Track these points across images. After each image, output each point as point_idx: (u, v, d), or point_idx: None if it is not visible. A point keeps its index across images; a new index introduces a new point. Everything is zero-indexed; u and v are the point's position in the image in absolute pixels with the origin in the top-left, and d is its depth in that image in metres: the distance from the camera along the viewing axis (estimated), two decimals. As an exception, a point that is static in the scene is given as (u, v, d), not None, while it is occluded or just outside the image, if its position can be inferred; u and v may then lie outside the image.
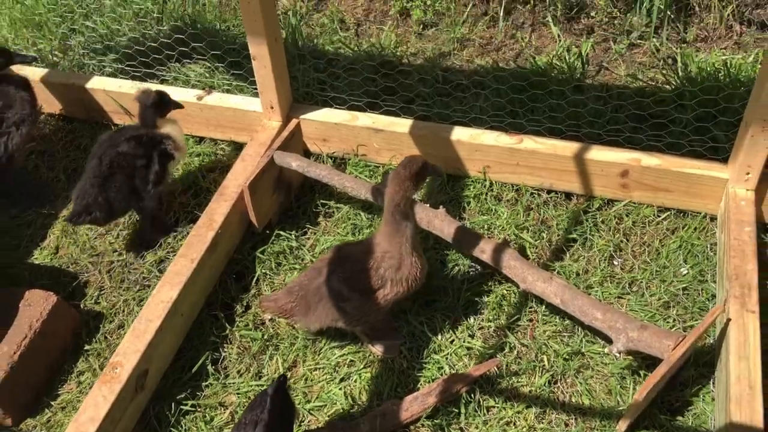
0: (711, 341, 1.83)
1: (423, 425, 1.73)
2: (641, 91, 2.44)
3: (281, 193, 2.20)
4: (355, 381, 1.84)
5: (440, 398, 1.72)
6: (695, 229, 2.10)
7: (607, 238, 2.10)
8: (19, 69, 2.49)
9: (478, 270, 2.03)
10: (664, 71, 2.53)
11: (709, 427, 1.69)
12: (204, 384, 1.85)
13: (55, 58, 2.84)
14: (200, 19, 2.93)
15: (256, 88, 2.28)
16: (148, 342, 1.74)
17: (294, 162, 2.12)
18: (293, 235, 2.17)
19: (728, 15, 2.63)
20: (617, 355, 1.74)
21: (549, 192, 2.22)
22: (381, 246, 1.75)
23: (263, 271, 2.09)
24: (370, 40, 2.86)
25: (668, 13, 2.63)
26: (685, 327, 1.87)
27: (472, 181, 2.28)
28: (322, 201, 2.26)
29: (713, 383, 1.75)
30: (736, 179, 1.99)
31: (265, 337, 1.94)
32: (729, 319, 1.70)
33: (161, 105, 2.13)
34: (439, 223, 1.98)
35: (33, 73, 2.55)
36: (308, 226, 2.21)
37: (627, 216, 2.15)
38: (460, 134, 2.22)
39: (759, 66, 2.12)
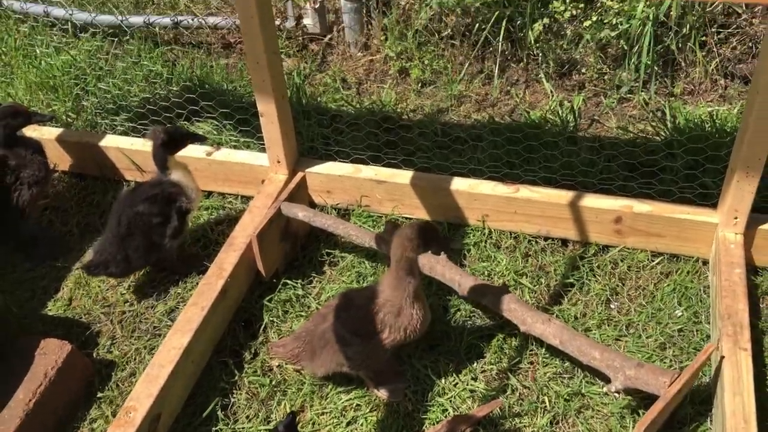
0: (707, 380, 1.88)
1: (429, 466, 1.77)
2: (632, 142, 2.55)
3: (288, 243, 2.28)
4: (362, 425, 1.88)
5: (445, 439, 1.76)
6: (688, 272, 2.17)
7: (604, 283, 2.17)
8: (34, 129, 2.63)
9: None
10: (653, 123, 2.64)
11: (708, 464, 1.73)
12: (214, 429, 1.89)
13: (69, 119, 2.96)
14: (208, 80, 3.06)
15: (262, 144, 2.39)
16: (161, 387, 1.79)
17: (300, 212, 2.21)
18: (299, 284, 2.24)
19: (713, 69, 2.76)
20: (615, 394, 1.79)
21: (546, 239, 2.31)
22: (384, 293, 1.82)
23: (270, 318, 2.15)
24: (372, 97, 2.99)
25: (655, 68, 2.76)
26: (681, 366, 1.93)
27: (472, 229, 2.36)
28: (327, 250, 2.33)
29: (710, 420, 1.80)
30: (725, 223, 2.08)
31: (273, 383, 1.99)
32: (723, 357, 1.76)
33: (171, 143, 2.21)
34: (441, 269, 2.05)
35: (49, 132, 2.66)
36: (314, 274, 2.28)
37: (622, 261, 2.23)
38: (459, 184, 2.31)
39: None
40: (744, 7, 2.75)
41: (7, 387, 1.88)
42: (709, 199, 2.23)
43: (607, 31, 2.76)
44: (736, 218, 2.05)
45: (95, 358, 2.09)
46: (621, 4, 2.76)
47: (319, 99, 2.98)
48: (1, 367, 1.93)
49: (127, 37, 3.38)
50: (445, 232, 2.34)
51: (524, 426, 1.84)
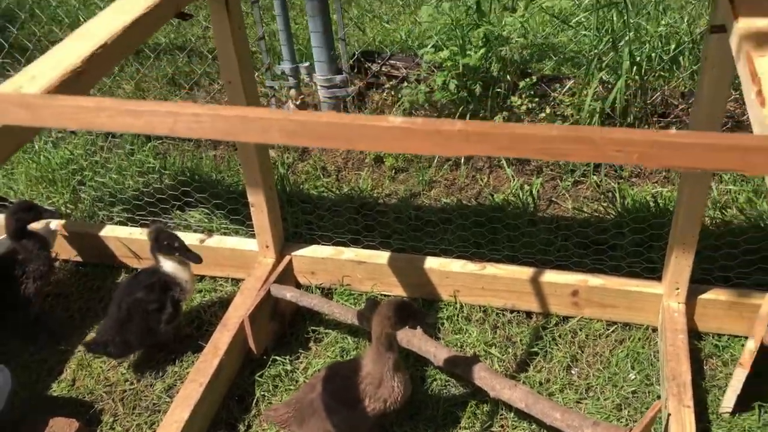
0: (658, 436, 2.10)
1: None
2: (586, 222, 2.83)
3: (276, 322, 2.48)
4: (349, 488, 2.05)
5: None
6: (640, 339, 2.41)
7: (565, 351, 2.40)
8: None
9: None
10: (604, 204, 2.93)
11: None
12: (212, 497, 2.05)
13: (67, 210, 3.18)
14: (198, 170, 3.31)
15: (250, 229, 2.62)
16: (165, 458, 1.96)
17: (289, 293, 2.42)
18: (288, 360, 2.43)
19: (655, 154, 3.07)
20: (577, 451, 1.99)
21: (512, 311, 2.54)
22: (366, 366, 2.03)
23: (262, 393, 2.34)
24: (350, 184, 3.26)
25: (604, 154, 3.06)
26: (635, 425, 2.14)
27: (445, 304, 2.59)
28: (312, 327, 2.54)
29: (662, 473, 2.00)
30: (668, 294, 2.33)
31: (266, 452, 2.16)
32: (669, 414, 1.98)
33: (158, 245, 2.39)
34: (417, 342, 2.26)
35: (52, 224, 2.87)
36: (301, 350, 2.47)
37: (580, 330, 2.46)
38: (432, 263, 2.55)
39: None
40: (680, 99, 3.10)
41: (19, 464, 2.03)
42: (655, 272, 2.49)
43: (559, 122, 3.08)
44: (677, 289, 2.30)
45: (99, 435, 2.25)
46: (571, 98, 3.09)
47: (301, 186, 3.24)
48: (13, 445, 2.08)
49: (121, 133, 3.64)
50: (420, 307, 2.57)
51: (497, 484, 2.03)
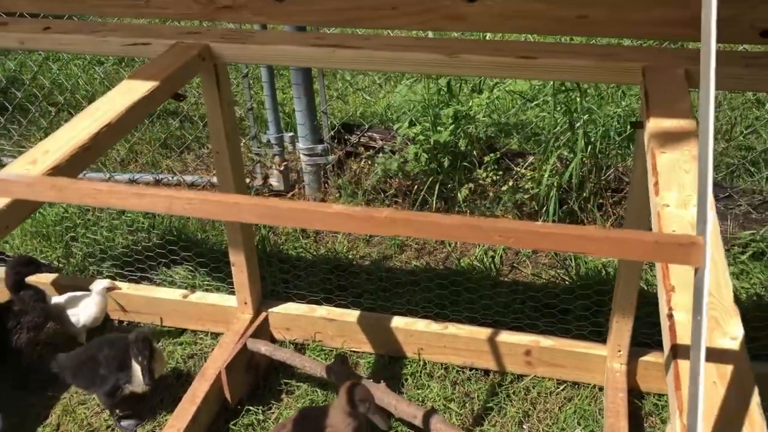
0: (598, 487, 2.28)
1: None
2: (543, 286, 3.06)
3: (251, 374, 2.67)
4: None
5: None
6: (587, 397, 2.61)
7: (518, 407, 2.59)
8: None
9: (413, 434, 2.48)
10: (560, 270, 3.17)
11: None
12: None
13: (59, 264, 3.38)
14: (185, 230, 3.53)
15: (231, 287, 2.82)
16: (142, 497, 2.12)
17: (263, 347, 2.62)
18: (260, 410, 2.61)
19: (609, 226, 3.34)
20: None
21: (471, 369, 2.74)
22: (331, 418, 2.22)
23: (235, 440, 2.51)
24: (327, 246, 3.48)
25: (566, 221, 3.32)
26: (578, 476, 2.33)
27: (409, 361, 2.79)
28: (285, 380, 2.72)
29: None
30: (611, 356, 2.55)
31: (236, 496, 2.32)
32: (606, 466, 2.18)
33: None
34: (380, 395, 2.46)
35: (46, 277, 3.06)
36: (273, 401, 2.65)
37: (533, 388, 2.66)
38: (398, 322, 2.76)
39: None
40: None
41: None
42: (602, 335, 2.72)
43: (521, 194, 3.34)
44: (619, 351, 2.52)
45: (80, 477, 2.40)
46: (532, 173, 3.37)
47: (281, 247, 3.46)
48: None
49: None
50: (386, 365, 2.76)
51: None
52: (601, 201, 3.35)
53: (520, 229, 0.89)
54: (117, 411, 2.59)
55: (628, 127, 3.20)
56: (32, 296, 2.72)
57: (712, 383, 1.04)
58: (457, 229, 0.91)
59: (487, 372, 2.73)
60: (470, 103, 3.32)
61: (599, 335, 2.72)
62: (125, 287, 3.01)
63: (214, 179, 3.79)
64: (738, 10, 1.89)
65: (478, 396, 2.64)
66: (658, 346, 2.65)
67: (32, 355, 2.87)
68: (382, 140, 3.72)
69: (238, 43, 2.22)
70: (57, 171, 1.63)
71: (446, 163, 3.37)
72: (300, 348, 2.87)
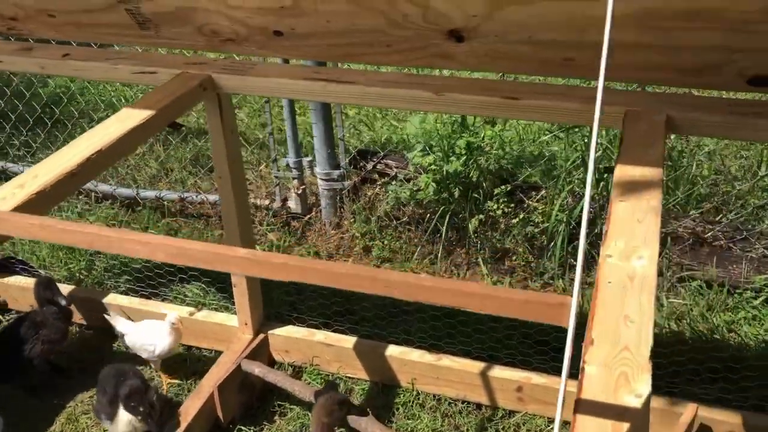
0: None
1: None
2: (538, 323, 3.03)
3: (245, 394, 2.73)
4: None
5: None
6: (577, 437, 2.58)
7: (506, 443, 2.59)
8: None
9: None
10: (565, 306, 3.14)
11: None
12: None
13: (81, 276, 3.52)
14: (202, 248, 3.64)
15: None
16: None
17: (257, 369, 2.68)
18: (252, 430, 2.67)
19: (619, 263, 3.30)
20: None
21: (463, 402, 2.74)
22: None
23: (224, 458, 2.57)
24: (337, 270, 3.53)
25: (571, 260, 3.30)
26: None
27: (403, 390, 2.81)
28: (279, 402, 2.78)
29: None
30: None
31: None
32: None
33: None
34: (365, 424, 2.48)
35: (64, 289, 3.20)
36: (265, 422, 2.71)
37: (523, 425, 2.65)
38: (393, 351, 2.79)
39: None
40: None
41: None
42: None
43: (531, 227, 3.34)
44: (609, 393, 2.49)
45: (74, 485, 2.50)
46: (543, 207, 3.36)
47: (293, 269, 3.53)
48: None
49: (140, 208, 4.02)
50: (380, 392, 2.79)
51: None
52: (611, 238, 3.32)
53: (404, 282, 0.93)
54: None
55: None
56: (54, 313, 2.84)
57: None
58: (346, 277, 0.95)
59: (479, 406, 2.73)
60: (482, 135, 3.34)
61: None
62: (137, 302, 3.13)
63: (249, 199, 3.90)
64: (725, 57, 1.88)
65: (467, 429, 2.64)
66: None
67: (44, 367, 2.99)
68: (396, 167, 3.76)
69: (239, 74, 2.32)
70: (42, 196, 1.73)
71: (456, 194, 3.39)
72: (298, 371, 2.92)
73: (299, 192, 3.81)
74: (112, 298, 3.17)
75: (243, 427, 2.67)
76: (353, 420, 2.50)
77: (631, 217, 1.52)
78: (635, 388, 1.13)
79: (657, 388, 2.60)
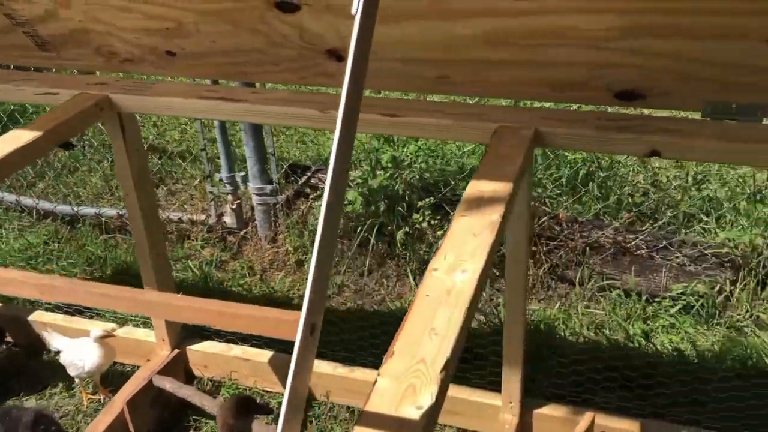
0: None
1: None
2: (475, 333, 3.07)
3: (157, 409, 2.75)
4: None
5: None
6: (483, 447, 2.61)
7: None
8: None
9: None
10: (489, 316, 3.18)
11: None
12: None
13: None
14: (135, 265, 3.66)
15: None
16: None
17: (168, 384, 2.71)
18: (165, 445, 2.69)
19: (542, 274, 3.34)
20: None
21: (376, 414, 2.76)
22: None
23: (135, 474, 2.59)
24: (270, 284, 3.57)
25: (494, 271, 3.34)
26: None
27: (317, 403, 2.83)
28: (194, 417, 2.80)
29: None
30: (504, 407, 2.55)
31: None
32: None
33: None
34: (269, 435, 2.51)
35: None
36: (179, 437, 2.74)
37: (432, 435, 2.67)
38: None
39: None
40: (564, 225, 3.38)
41: None
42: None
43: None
44: (511, 403, 2.52)
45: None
46: (468, 218, 3.39)
47: (225, 284, 3.56)
48: None
49: (80, 225, 4.04)
50: (264, 402, 2.80)
51: None
52: (534, 249, 3.36)
53: (161, 302, 0.96)
54: None
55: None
56: None
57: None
58: (112, 300, 0.98)
59: (391, 417, 2.75)
60: (405, 149, 3.38)
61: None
62: (60, 318, 3.15)
63: (184, 215, 3.93)
64: (593, 73, 1.92)
65: (377, 441, 2.66)
66: (558, 398, 2.64)
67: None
68: (329, 182, 3.80)
69: (137, 94, 2.35)
70: None
71: (382, 207, 3.43)
72: (217, 385, 2.94)
73: (233, 207, 3.85)
74: (38, 315, 3.19)
75: (155, 443, 2.69)
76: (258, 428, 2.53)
77: (468, 231, 1.56)
78: (418, 399, 1.17)
79: (560, 397, 2.65)
